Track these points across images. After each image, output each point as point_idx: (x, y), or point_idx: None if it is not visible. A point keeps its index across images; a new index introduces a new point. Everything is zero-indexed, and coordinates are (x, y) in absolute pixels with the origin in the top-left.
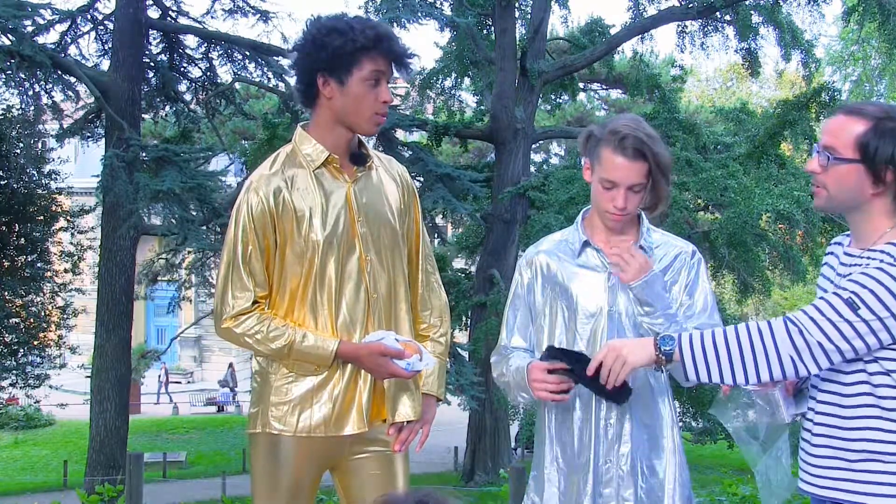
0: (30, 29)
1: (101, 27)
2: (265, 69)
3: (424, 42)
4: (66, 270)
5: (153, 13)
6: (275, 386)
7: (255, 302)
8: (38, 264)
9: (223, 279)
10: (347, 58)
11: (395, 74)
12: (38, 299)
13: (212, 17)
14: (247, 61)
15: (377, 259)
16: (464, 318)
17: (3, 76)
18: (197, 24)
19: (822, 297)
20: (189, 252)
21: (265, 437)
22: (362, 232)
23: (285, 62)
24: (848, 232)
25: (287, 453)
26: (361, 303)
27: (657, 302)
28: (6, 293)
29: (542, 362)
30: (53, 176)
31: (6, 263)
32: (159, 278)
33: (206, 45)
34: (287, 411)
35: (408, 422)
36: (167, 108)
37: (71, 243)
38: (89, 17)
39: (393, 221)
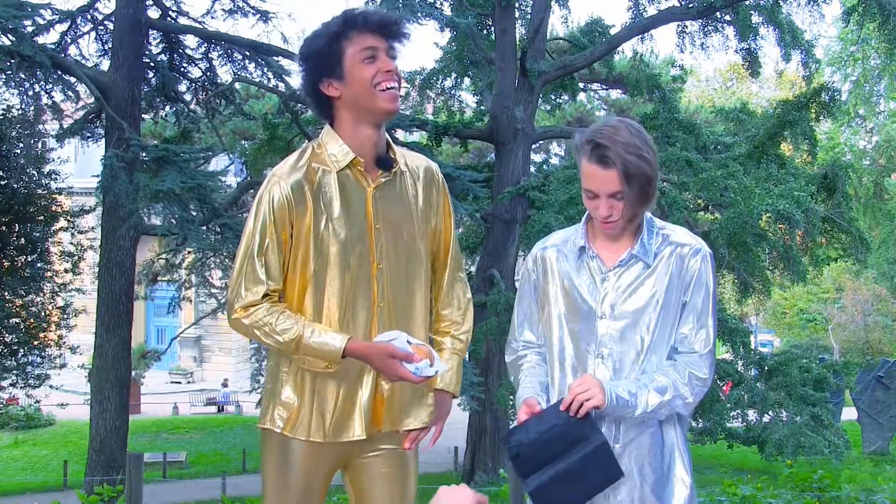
0: (30, 29)
1: (101, 27)
2: (265, 69)
3: (424, 42)
4: (66, 270)
5: (153, 13)
6: (283, 385)
7: (265, 295)
8: (38, 264)
9: (238, 269)
10: (330, 51)
11: (391, 45)
12: (38, 299)
13: (212, 17)
14: (247, 61)
15: (391, 268)
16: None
17: (3, 76)
18: (197, 24)
19: None
20: (189, 252)
21: (273, 435)
22: (378, 240)
23: (285, 62)
24: None
25: (294, 453)
26: (366, 311)
27: (630, 403)
28: (6, 293)
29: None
30: (53, 176)
31: (6, 263)
32: (159, 278)
33: (206, 45)
34: (292, 412)
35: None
36: (167, 108)
37: (71, 243)
38: (89, 17)
39: (413, 230)
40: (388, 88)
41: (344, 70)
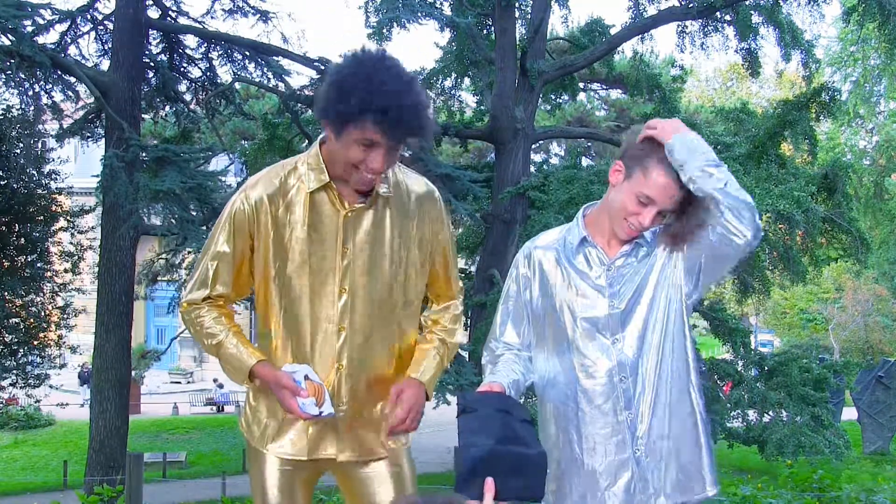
0: (30, 29)
1: (101, 27)
2: (265, 69)
3: (424, 42)
4: (66, 270)
5: (153, 13)
6: (256, 399)
7: (207, 298)
8: (38, 264)
9: (195, 266)
10: (338, 119)
11: (397, 147)
12: (38, 299)
13: (212, 17)
14: (247, 61)
15: (358, 294)
16: (464, 319)
17: (3, 76)
18: (197, 24)
19: None
20: (189, 252)
21: (249, 443)
22: (344, 264)
23: (285, 62)
24: None
25: (269, 465)
26: (333, 334)
27: (698, 149)
28: (6, 293)
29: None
30: (53, 176)
31: (6, 263)
32: (159, 278)
33: (206, 45)
34: (250, 417)
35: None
36: (167, 108)
37: (71, 243)
38: (89, 17)
39: (390, 257)
40: (366, 176)
41: (340, 135)
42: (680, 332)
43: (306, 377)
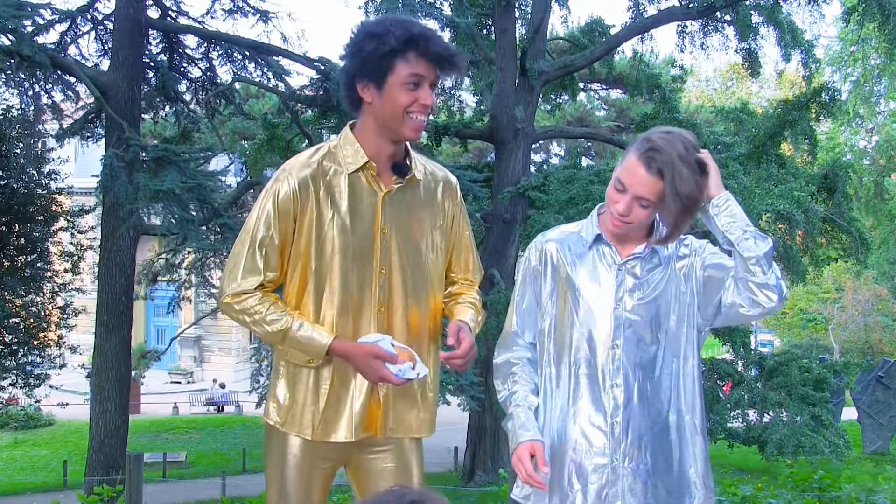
0: (30, 29)
1: (101, 27)
2: (265, 69)
3: None
4: (66, 270)
5: (153, 13)
6: (279, 381)
7: (260, 285)
8: (38, 264)
9: (236, 256)
10: (382, 62)
11: (441, 77)
12: (38, 299)
13: (212, 17)
14: (247, 61)
15: (396, 275)
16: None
17: (3, 76)
18: (197, 24)
19: None
20: (189, 252)
21: (271, 428)
22: (384, 245)
23: (285, 62)
24: None
25: (290, 447)
26: (368, 314)
27: (741, 214)
28: (6, 293)
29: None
30: (53, 176)
31: (6, 263)
32: (159, 278)
33: (206, 45)
34: (285, 408)
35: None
36: (167, 108)
37: (71, 243)
38: (89, 17)
39: (424, 239)
40: (416, 116)
41: (386, 85)
42: (691, 362)
43: (392, 344)
